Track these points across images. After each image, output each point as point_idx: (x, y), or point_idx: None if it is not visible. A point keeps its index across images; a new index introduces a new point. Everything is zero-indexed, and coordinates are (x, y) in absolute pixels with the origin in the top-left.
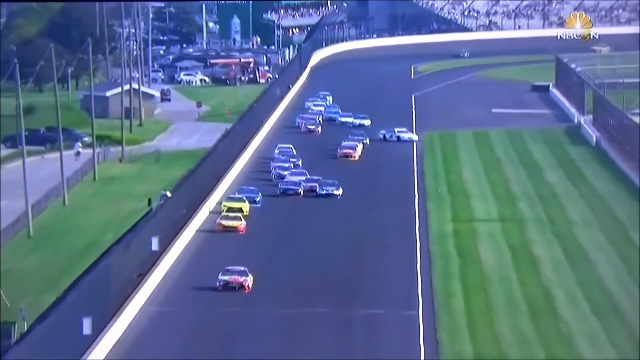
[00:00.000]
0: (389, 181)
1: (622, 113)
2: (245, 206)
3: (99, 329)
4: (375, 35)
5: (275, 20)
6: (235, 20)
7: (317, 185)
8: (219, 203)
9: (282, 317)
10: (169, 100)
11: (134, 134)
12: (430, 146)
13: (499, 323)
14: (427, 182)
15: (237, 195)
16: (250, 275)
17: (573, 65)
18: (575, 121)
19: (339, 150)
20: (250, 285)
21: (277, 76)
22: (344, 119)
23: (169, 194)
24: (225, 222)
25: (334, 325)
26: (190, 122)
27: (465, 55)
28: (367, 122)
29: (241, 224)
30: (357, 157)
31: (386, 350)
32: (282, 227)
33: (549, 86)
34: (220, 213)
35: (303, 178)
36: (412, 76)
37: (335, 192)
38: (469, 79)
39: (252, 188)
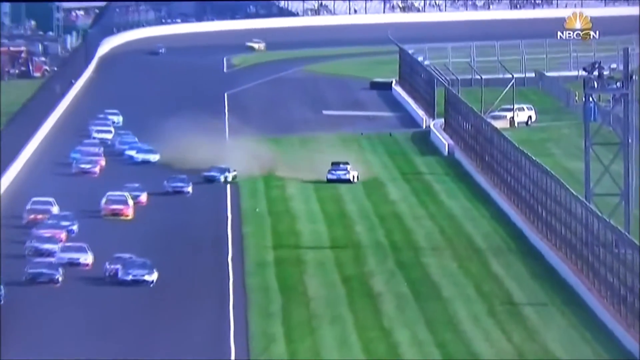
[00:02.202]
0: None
1: (480, 116)
2: None
3: None
4: (179, 20)
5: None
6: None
7: (121, 267)
8: None
9: None
10: None
11: None
12: (250, 154)
13: None
14: (242, 199)
15: None
16: None
17: (420, 58)
18: (424, 126)
19: (102, 206)
20: None
21: (56, 69)
22: (129, 152)
23: None
24: None
25: None
26: None
27: (162, 51)
28: (154, 158)
29: None
30: (130, 215)
31: None
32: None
33: (391, 83)
34: None
35: (89, 258)
36: (225, 70)
37: (147, 277)
38: (294, 74)
39: None
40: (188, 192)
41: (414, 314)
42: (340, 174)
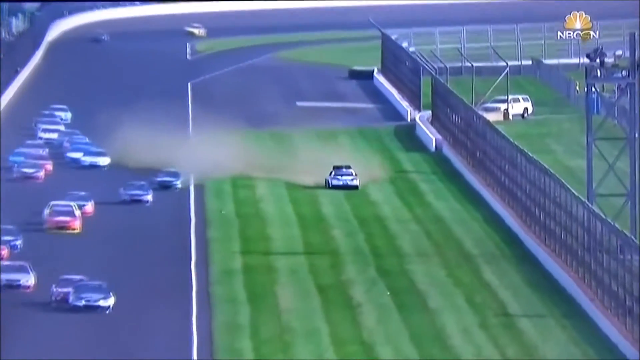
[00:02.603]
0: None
1: (471, 108)
2: None
3: None
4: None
5: None
6: None
7: (72, 290)
8: None
9: None
10: None
11: None
12: (215, 152)
13: None
14: (207, 201)
15: None
16: None
17: (405, 44)
18: (409, 119)
19: (46, 218)
20: None
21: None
22: (73, 155)
23: None
24: None
25: None
26: None
27: (104, 38)
28: (103, 161)
29: None
30: (78, 228)
31: None
32: None
33: (372, 72)
34: None
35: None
36: (189, 57)
37: (102, 302)
38: (265, 61)
39: None
40: (148, 201)
41: (398, 327)
42: (347, 179)
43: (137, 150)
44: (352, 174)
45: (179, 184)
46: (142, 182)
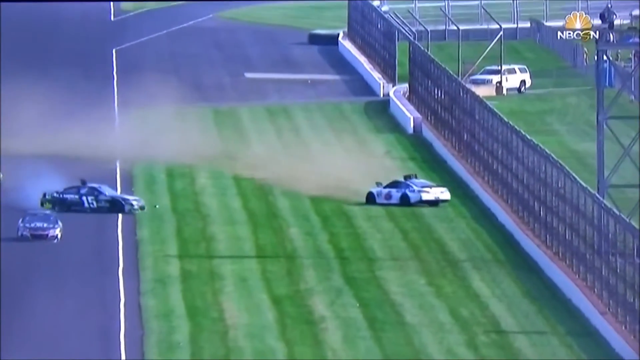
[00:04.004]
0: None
1: (457, 81)
2: None
3: None
4: None
5: None
6: None
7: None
8: None
9: None
10: None
11: None
12: (146, 132)
13: None
14: (136, 194)
15: None
16: None
17: (376, 3)
18: (381, 93)
19: None
20: None
21: None
22: None
23: None
24: None
25: None
26: None
27: None
28: None
29: None
30: None
31: None
32: None
33: (337, 36)
34: None
35: None
36: (112, 18)
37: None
38: (205, 22)
39: None
40: (55, 237)
41: (368, 347)
42: (437, 192)
43: (48, 133)
44: (431, 185)
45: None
46: (47, 211)
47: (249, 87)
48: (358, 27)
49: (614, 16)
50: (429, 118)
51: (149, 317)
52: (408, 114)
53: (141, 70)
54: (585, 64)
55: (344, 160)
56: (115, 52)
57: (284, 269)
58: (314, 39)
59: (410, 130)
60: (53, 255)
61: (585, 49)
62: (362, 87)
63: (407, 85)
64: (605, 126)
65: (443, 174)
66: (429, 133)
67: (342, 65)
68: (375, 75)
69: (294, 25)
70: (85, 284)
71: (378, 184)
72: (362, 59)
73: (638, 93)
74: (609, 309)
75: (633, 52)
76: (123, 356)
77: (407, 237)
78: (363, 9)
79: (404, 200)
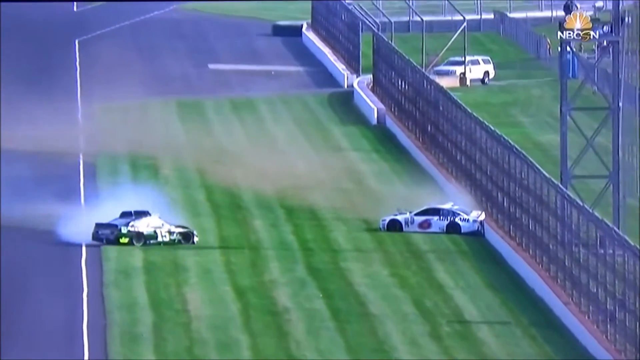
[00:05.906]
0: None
1: (421, 72)
2: None
3: None
4: None
5: None
6: None
7: None
8: None
9: None
10: None
11: None
12: (110, 125)
13: None
14: (99, 184)
15: None
16: None
17: None
18: (344, 84)
19: None
20: None
21: None
22: None
23: None
24: None
25: None
26: None
27: None
28: None
29: None
30: None
31: None
32: None
33: (300, 27)
34: None
35: None
36: (75, 8)
37: None
38: (167, 14)
39: None
40: None
41: (332, 338)
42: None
43: (8, 127)
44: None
45: None
46: None
47: (213, 79)
48: (322, 19)
49: (577, 8)
50: (392, 109)
51: (112, 308)
52: (372, 105)
53: (104, 62)
54: (548, 55)
55: (308, 152)
56: (78, 43)
57: (248, 261)
58: (279, 30)
59: (374, 121)
60: (14, 245)
61: (549, 40)
62: (326, 78)
63: (371, 76)
64: (568, 117)
65: (406, 165)
66: (392, 124)
67: (306, 56)
68: (339, 67)
69: (259, 17)
70: (48, 274)
71: (399, 210)
72: (326, 50)
73: (601, 84)
74: (572, 299)
75: (596, 43)
76: (86, 347)
77: (370, 229)
78: (327, 1)
79: (453, 230)
